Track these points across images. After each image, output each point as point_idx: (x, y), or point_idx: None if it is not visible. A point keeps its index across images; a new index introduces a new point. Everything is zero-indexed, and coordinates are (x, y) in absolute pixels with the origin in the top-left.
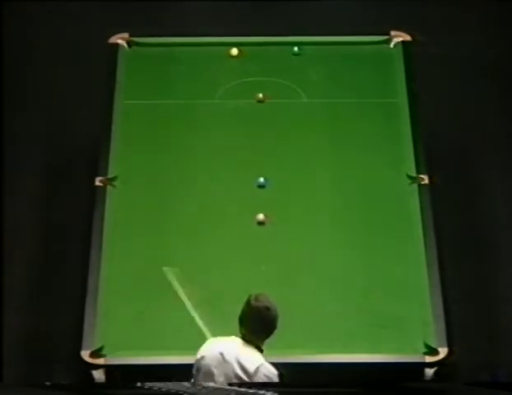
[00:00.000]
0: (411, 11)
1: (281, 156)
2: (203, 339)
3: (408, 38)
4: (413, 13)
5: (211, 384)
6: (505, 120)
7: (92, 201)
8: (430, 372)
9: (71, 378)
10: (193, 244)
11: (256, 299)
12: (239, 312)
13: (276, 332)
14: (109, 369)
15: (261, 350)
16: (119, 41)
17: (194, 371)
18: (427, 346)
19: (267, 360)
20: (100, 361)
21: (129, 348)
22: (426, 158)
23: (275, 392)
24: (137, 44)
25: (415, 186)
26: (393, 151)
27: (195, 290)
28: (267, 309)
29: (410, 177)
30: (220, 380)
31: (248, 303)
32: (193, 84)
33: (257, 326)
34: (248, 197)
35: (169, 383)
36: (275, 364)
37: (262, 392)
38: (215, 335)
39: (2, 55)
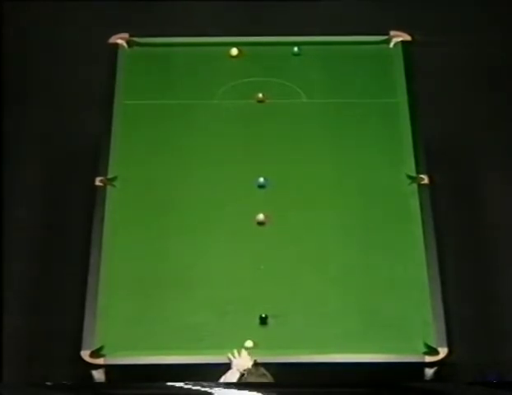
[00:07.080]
0: (411, 11)
1: (281, 156)
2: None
3: (408, 38)
4: (413, 13)
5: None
6: (505, 120)
7: (92, 201)
8: (430, 372)
9: (71, 378)
10: (192, 244)
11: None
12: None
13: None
14: (108, 369)
15: None
16: (119, 41)
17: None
18: (427, 346)
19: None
20: (100, 361)
21: (129, 348)
22: (426, 158)
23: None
24: (137, 44)
25: (415, 186)
26: (393, 151)
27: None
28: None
29: (410, 177)
30: None
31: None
32: (193, 84)
33: None
34: (248, 197)
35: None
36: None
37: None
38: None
39: (2, 55)
